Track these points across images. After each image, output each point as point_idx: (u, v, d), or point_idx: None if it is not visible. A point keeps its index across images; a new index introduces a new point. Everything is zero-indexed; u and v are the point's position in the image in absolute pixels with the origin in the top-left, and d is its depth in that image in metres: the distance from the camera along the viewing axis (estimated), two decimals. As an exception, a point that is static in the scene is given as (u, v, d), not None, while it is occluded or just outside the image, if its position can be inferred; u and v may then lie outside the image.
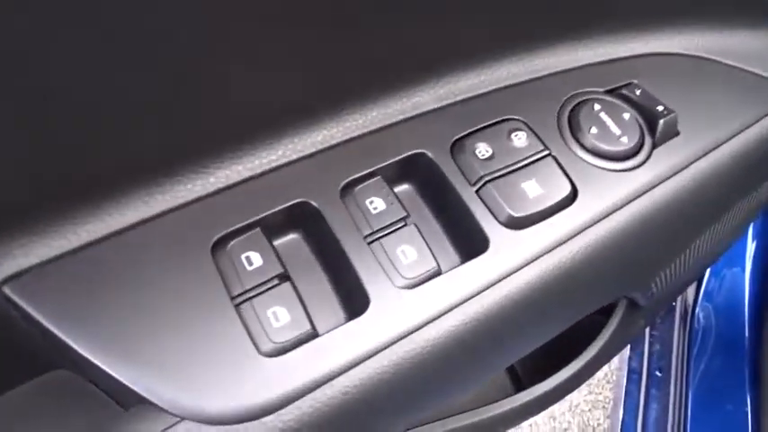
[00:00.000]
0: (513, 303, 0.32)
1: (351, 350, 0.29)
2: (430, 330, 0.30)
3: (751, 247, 0.86)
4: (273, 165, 0.33)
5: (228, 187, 0.32)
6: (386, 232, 0.32)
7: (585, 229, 0.34)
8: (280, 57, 0.31)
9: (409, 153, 0.34)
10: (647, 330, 0.92)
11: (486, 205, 0.33)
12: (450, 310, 0.31)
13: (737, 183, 0.41)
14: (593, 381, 1.16)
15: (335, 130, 0.34)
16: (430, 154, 0.34)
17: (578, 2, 0.38)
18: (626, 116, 0.37)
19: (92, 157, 0.29)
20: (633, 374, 0.90)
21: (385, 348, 0.30)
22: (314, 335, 0.30)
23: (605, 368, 1.18)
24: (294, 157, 0.34)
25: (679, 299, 0.91)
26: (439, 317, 0.31)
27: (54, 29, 0.23)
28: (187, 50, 0.28)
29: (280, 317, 0.30)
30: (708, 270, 0.88)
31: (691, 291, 0.90)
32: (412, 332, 0.30)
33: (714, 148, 0.37)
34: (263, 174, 0.33)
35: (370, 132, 0.35)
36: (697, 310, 0.87)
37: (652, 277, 0.45)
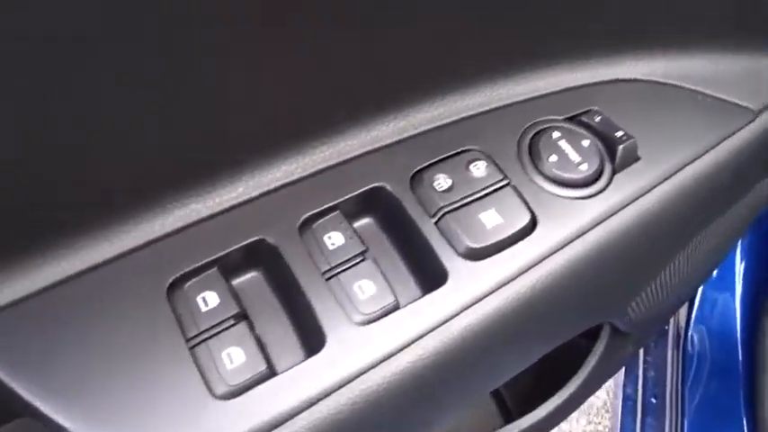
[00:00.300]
0: (474, 336, 0.32)
1: (305, 390, 0.29)
2: (388, 366, 0.30)
3: (740, 267, 0.85)
4: (233, 203, 0.33)
5: (187, 227, 0.32)
6: (343, 268, 0.32)
7: (545, 258, 0.33)
8: (245, 91, 0.31)
9: (368, 187, 0.34)
10: (642, 356, 0.91)
11: (444, 237, 0.33)
12: (409, 345, 0.30)
13: (701, 206, 0.40)
14: (591, 410, 1.14)
15: (295, 166, 0.35)
16: (389, 187, 0.34)
17: (538, 32, 0.38)
18: (585, 143, 0.37)
19: (44, 201, 0.29)
20: (628, 401, 0.88)
21: (341, 387, 0.29)
22: (269, 375, 0.29)
23: (604, 397, 1.16)
24: (254, 194, 0.34)
25: (672, 322, 0.90)
26: (396, 352, 0.30)
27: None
28: (145, 85, 0.28)
29: (234, 358, 0.29)
30: (699, 291, 0.87)
31: (683, 313, 0.88)
32: (368, 369, 0.30)
33: (675, 173, 0.37)
34: (221, 212, 0.33)
35: (330, 167, 0.35)
36: (690, 333, 0.85)
37: (626, 303, 0.44)
